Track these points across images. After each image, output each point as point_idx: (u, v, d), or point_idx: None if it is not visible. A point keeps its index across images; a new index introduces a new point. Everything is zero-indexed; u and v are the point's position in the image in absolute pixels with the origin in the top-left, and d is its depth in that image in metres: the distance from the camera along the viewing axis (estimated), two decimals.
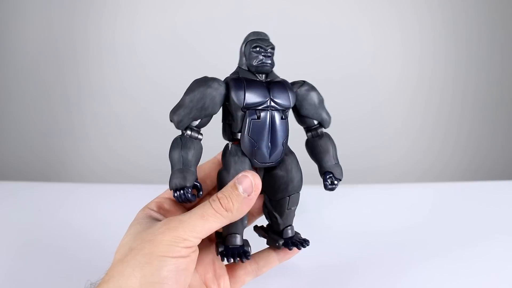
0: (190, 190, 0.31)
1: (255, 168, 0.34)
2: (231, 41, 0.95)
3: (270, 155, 0.33)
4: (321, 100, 0.35)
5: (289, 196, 0.34)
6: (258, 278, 0.37)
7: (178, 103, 0.32)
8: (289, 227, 0.35)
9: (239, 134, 0.32)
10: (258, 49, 0.33)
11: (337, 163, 0.35)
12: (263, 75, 0.34)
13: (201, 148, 0.33)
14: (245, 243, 0.34)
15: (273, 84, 0.33)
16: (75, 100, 1.05)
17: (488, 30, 1.10)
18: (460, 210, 0.58)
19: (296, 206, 0.35)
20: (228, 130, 0.34)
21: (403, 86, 1.11)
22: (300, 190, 0.35)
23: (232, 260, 0.31)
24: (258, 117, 0.32)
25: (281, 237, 0.35)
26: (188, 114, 0.32)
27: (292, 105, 0.33)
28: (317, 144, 0.36)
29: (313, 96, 0.35)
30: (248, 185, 0.29)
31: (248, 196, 0.29)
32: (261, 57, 0.33)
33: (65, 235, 0.50)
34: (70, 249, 0.47)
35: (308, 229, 0.38)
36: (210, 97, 0.32)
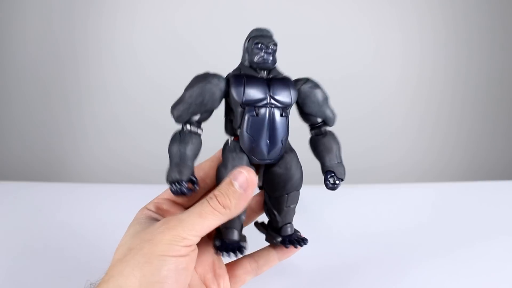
0: (185, 184, 0.31)
1: (254, 165, 0.34)
2: (231, 41, 0.95)
3: (268, 152, 0.33)
4: (325, 98, 0.35)
5: (287, 194, 0.34)
6: (258, 278, 0.37)
7: (179, 98, 0.32)
8: (288, 225, 0.35)
9: (239, 130, 0.33)
10: (259, 45, 0.33)
11: (340, 163, 0.35)
12: (265, 72, 0.33)
13: (200, 143, 0.33)
14: (242, 238, 0.34)
15: (274, 81, 0.33)
16: (75, 100, 1.05)
17: (488, 30, 1.10)
18: (460, 210, 0.58)
19: (296, 204, 0.35)
20: (230, 126, 0.34)
21: (403, 86, 1.11)
22: (299, 189, 0.34)
23: (226, 255, 0.31)
24: (257, 114, 0.32)
25: (279, 234, 0.35)
26: (187, 109, 0.32)
27: (293, 102, 0.33)
28: (320, 142, 0.35)
29: (317, 93, 0.34)
30: (243, 180, 0.29)
31: (245, 191, 0.29)
32: (262, 53, 0.33)
33: (65, 235, 0.50)
34: (70, 249, 0.47)
35: (308, 229, 0.38)
36: (209, 92, 0.32)
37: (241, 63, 0.34)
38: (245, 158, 0.32)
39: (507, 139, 1.15)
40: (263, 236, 0.37)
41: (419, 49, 1.09)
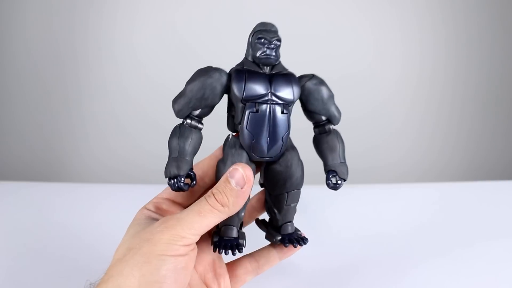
0: (183, 179, 0.31)
1: (255, 162, 0.33)
2: (231, 41, 0.95)
3: (268, 150, 0.32)
4: (330, 96, 0.34)
5: (287, 192, 0.33)
6: (258, 278, 0.37)
7: (180, 92, 0.32)
8: (288, 224, 0.35)
9: (239, 126, 0.32)
10: (262, 40, 0.32)
11: (343, 162, 0.34)
12: (268, 67, 0.33)
13: (200, 137, 0.33)
14: (241, 236, 0.33)
15: (277, 77, 0.32)
16: (75, 100, 1.05)
17: (488, 30, 1.10)
18: (460, 210, 0.58)
19: (296, 203, 0.34)
20: (231, 122, 0.34)
21: (403, 86, 1.11)
22: (300, 187, 0.34)
23: (223, 252, 0.31)
24: (257, 110, 0.31)
25: (279, 233, 0.35)
26: (187, 104, 0.32)
27: (295, 99, 0.32)
28: (324, 141, 0.35)
29: (321, 90, 0.33)
30: (239, 178, 0.29)
31: (242, 189, 0.29)
32: (265, 48, 0.32)
33: (64, 235, 0.50)
34: (70, 249, 0.47)
35: (308, 228, 0.38)
36: (210, 87, 0.31)
37: (245, 58, 0.34)
38: (244, 155, 0.32)
39: (507, 139, 1.15)
40: (264, 235, 0.37)
41: (419, 49, 1.09)
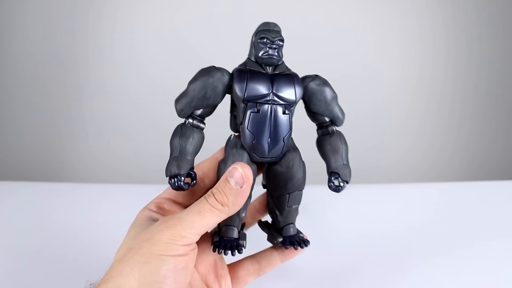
0: (183, 178, 0.31)
1: (257, 162, 0.33)
2: (231, 41, 0.95)
3: (269, 150, 0.32)
4: (333, 97, 0.34)
5: (288, 194, 0.33)
6: (259, 279, 0.37)
7: (182, 92, 0.32)
8: (290, 225, 0.34)
9: (241, 126, 0.32)
10: (265, 40, 0.32)
11: (346, 164, 0.34)
12: (270, 68, 0.33)
13: (201, 137, 0.33)
14: (242, 236, 0.33)
15: (279, 77, 0.32)
16: (75, 100, 1.05)
17: (488, 30, 1.10)
18: (460, 210, 0.58)
19: (298, 205, 0.34)
20: (234, 122, 0.34)
21: (403, 86, 1.11)
22: (302, 189, 0.34)
23: (222, 252, 0.31)
24: (258, 110, 0.31)
25: (281, 235, 0.35)
26: (189, 103, 0.32)
27: (297, 100, 0.32)
28: (327, 142, 0.34)
29: (324, 91, 0.33)
30: (239, 177, 0.29)
31: (241, 188, 0.29)
32: (267, 48, 0.32)
33: (65, 235, 0.50)
34: (70, 249, 0.47)
35: (308, 229, 0.38)
36: (211, 87, 0.31)
37: (248, 58, 0.34)
38: (245, 155, 0.32)
39: (507, 139, 1.15)
40: (266, 236, 0.37)
41: (419, 49, 1.09)
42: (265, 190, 0.36)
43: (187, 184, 0.32)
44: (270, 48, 0.32)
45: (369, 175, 1.05)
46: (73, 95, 1.05)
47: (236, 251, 0.31)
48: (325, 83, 0.34)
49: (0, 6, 0.99)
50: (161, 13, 1.02)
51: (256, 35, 0.33)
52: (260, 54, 0.32)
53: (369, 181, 0.97)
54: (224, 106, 0.35)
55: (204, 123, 0.33)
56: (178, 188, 0.31)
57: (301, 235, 0.35)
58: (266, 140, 0.32)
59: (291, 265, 0.44)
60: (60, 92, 1.04)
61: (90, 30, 1.02)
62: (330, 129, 0.35)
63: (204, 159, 0.36)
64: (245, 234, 0.34)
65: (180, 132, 0.32)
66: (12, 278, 0.42)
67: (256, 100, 0.31)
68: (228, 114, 0.35)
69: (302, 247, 0.34)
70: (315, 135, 0.36)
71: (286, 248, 0.34)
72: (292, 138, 0.34)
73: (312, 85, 0.33)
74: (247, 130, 0.31)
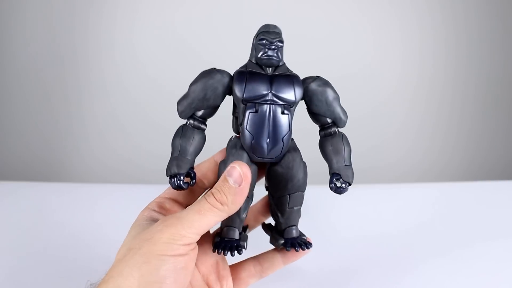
0: (182, 177, 0.31)
1: (259, 163, 0.33)
2: (231, 41, 0.95)
3: (268, 150, 0.32)
4: (334, 97, 0.33)
5: (289, 195, 0.33)
6: (261, 280, 0.37)
7: (184, 93, 0.33)
8: (292, 227, 0.34)
9: (241, 127, 0.32)
10: (264, 41, 0.32)
11: (348, 165, 0.33)
12: (270, 69, 0.33)
13: (202, 138, 0.33)
14: (243, 238, 0.33)
15: (278, 78, 0.32)
16: (75, 100, 1.05)
17: (488, 30, 1.10)
18: (460, 210, 0.58)
19: (299, 206, 0.34)
20: (235, 123, 0.34)
21: (403, 86, 1.11)
22: (302, 190, 0.33)
23: (222, 252, 0.31)
24: (257, 111, 0.31)
25: (283, 237, 0.34)
26: (190, 104, 0.32)
27: (297, 100, 0.32)
28: (329, 143, 0.34)
29: (325, 92, 0.33)
30: (237, 175, 0.29)
31: (239, 186, 0.29)
32: (266, 49, 0.32)
33: (65, 235, 0.51)
34: (70, 249, 0.48)
35: (308, 229, 0.38)
36: (211, 88, 0.32)
37: (249, 60, 0.34)
38: (245, 155, 0.32)
39: (507, 139, 1.15)
40: (269, 239, 0.37)
41: (419, 49, 1.09)
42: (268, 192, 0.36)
43: (187, 184, 0.32)
44: (269, 49, 0.32)
45: (369, 175, 1.05)
46: (73, 95, 1.05)
47: (235, 251, 0.31)
48: (326, 83, 0.33)
49: (0, 6, 0.99)
50: (161, 13, 1.02)
51: (256, 37, 0.33)
52: (259, 55, 0.32)
53: (369, 181, 0.97)
54: (227, 107, 0.35)
55: (205, 124, 0.34)
56: (177, 187, 0.32)
57: (304, 237, 0.35)
58: (265, 140, 0.32)
59: (292, 265, 0.44)
60: (60, 92, 1.04)
61: (90, 30, 1.02)
62: (332, 130, 0.34)
63: (204, 160, 0.36)
64: (246, 236, 0.34)
65: (181, 133, 0.33)
66: (12, 278, 0.42)
67: (255, 101, 0.31)
68: (231, 116, 0.35)
69: (303, 249, 0.33)
70: (317, 136, 0.36)
71: (287, 250, 0.33)
72: (293, 138, 0.34)
73: (313, 85, 0.33)
74: (246, 130, 0.32)
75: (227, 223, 0.33)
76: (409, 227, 0.53)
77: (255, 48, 0.33)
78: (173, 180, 0.31)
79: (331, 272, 0.44)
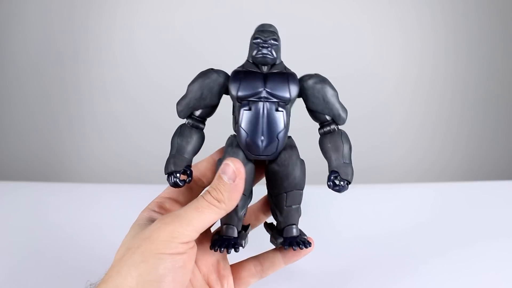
0: (178, 175, 0.32)
1: (258, 161, 0.34)
2: (230, 41, 0.95)
3: (264, 148, 0.32)
4: (332, 94, 0.33)
5: (286, 193, 0.33)
6: (261, 280, 0.37)
7: (183, 94, 0.33)
8: (292, 226, 0.34)
9: (237, 125, 0.33)
10: (258, 40, 0.33)
11: (347, 163, 0.33)
12: (266, 67, 0.33)
13: (200, 137, 0.34)
14: (242, 236, 0.33)
15: (273, 75, 0.32)
16: (75, 100, 1.05)
17: (488, 30, 1.10)
18: (460, 210, 0.58)
19: (298, 205, 0.34)
20: (234, 122, 0.34)
21: (403, 86, 1.11)
22: (300, 188, 0.33)
23: (218, 250, 0.31)
24: (250, 108, 0.32)
25: (281, 236, 0.34)
26: (188, 104, 0.33)
27: (292, 97, 0.32)
28: (328, 141, 0.34)
29: (322, 88, 0.33)
30: (231, 172, 0.29)
31: (234, 182, 0.29)
32: (260, 48, 0.33)
33: (65, 235, 0.51)
34: (70, 249, 0.48)
35: (308, 229, 0.38)
36: (207, 87, 0.33)
37: (246, 60, 0.34)
38: (240, 153, 0.32)
39: (507, 139, 1.15)
40: (269, 238, 0.37)
41: (419, 49, 1.09)
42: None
43: (183, 181, 0.32)
44: (263, 47, 0.32)
45: (369, 175, 1.04)
46: (73, 95, 1.05)
47: (232, 249, 0.31)
48: (323, 80, 0.33)
49: (0, 6, 0.99)
50: (161, 13, 1.02)
51: (252, 37, 0.34)
52: (254, 54, 0.33)
53: (369, 181, 0.97)
54: (227, 106, 0.35)
55: (203, 124, 0.34)
56: (174, 184, 0.32)
57: (305, 237, 0.35)
58: (259, 138, 0.32)
59: (292, 265, 0.44)
60: (60, 92, 1.04)
61: (90, 30, 1.02)
62: (331, 127, 0.34)
63: (202, 159, 0.36)
64: (246, 235, 0.34)
65: (179, 132, 0.34)
66: (12, 278, 0.42)
67: (248, 98, 0.32)
68: (231, 115, 0.35)
69: (301, 248, 0.33)
70: (316, 134, 0.35)
71: (285, 249, 0.33)
72: (290, 136, 0.34)
73: (309, 82, 0.33)
74: (241, 128, 0.32)
75: (226, 221, 0.33)
76: (409, 227, 0.53)
77: (250, 47, 0.34)
78: (170, 177, 0.32)
79: (331, 272, 0.44)
